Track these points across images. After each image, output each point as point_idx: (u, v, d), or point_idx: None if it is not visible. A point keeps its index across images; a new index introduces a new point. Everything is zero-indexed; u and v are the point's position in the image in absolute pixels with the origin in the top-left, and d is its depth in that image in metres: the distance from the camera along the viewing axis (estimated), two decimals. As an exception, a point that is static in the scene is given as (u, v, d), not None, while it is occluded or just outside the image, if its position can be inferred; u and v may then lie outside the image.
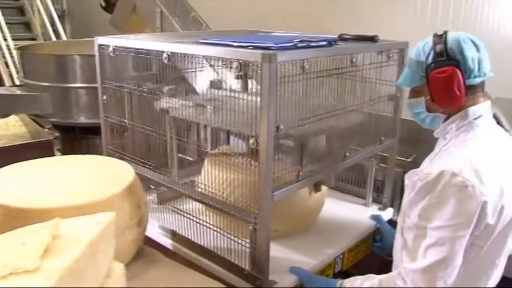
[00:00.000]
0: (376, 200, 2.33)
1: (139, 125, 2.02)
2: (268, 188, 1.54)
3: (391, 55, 1.98)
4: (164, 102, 1.86)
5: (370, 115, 2.01)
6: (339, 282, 1.67)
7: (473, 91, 1.48)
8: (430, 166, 1.51)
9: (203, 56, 1.66)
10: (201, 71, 1.93)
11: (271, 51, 1.43)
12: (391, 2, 3.82)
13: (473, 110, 1.49)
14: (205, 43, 1.68)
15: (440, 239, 1.37)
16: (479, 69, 1.45)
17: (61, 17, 5.74)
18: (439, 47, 1.45)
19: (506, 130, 2.94)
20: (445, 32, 1.48)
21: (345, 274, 1.94)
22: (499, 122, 2.93)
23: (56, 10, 5.52)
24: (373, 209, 2.29)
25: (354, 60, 1.77)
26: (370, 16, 3.92)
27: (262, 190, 1.55)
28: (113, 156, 2.10)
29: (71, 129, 3.62)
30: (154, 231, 2.04)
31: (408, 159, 2.44)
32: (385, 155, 2.27)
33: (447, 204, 1.35)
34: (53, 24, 5.38)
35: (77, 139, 3.66)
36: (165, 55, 1.74)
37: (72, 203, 1.47)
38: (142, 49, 1.84)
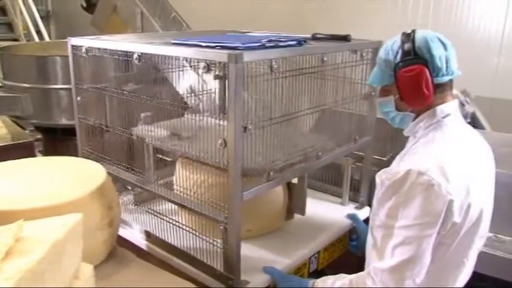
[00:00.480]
0: (353, 199, 2.34)
1: (114, 126, 2.01)
2: (237, 188, 1.55)
3: (364, 54, 1.99)
4: (140, 130, 1.86)
5: (344, 114, 2.01)
6: (311, 282, 1.67)
7: (441, 89, 1.48)
8: (398, 165, 1.51)
9: (173, 57, 1.65)
10: (181, 71, 1.92)
11: (237, 51, 1.43)
12: (374, 2, 3.84)
13: (441, 109, 1.48)
14: (176, 44, 1.68)
15: (407, 238, 1.37)
16: (447, 67, 1.45)
17: (45, 18, 5.71)
18: (407, 46, 1.45)
19: (483, 128, 2.98)
20: (413, 31, 1.48)
21: (321, 273, 1.94)
22: (477, 120, 2.97)
23: (40, 11, 5.49)
24: (350, 208, 2.30)
25: (325, 59, 1.77)
26: (351, 15, 3.93)
27: (231, 190, 1.55)
28: (89, 158, 2.10)
29: (53, 130, 3.59)
30: (129, 232, 2.03)
31: (384, 158, 2.44)
32: (362, 154, 2.28)
33: (413, 203, 1.35)
34: (36, 25, 5.36)
35: (59, 141, 3.63)
36: (135, 56, 1.73)
37: (40, 204, 1.47)
38: (115, 50, 1.84)
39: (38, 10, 5.45)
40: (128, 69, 1.88)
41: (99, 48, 1.92)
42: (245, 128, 1.51)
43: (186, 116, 1.79)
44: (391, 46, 1.51)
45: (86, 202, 1.57)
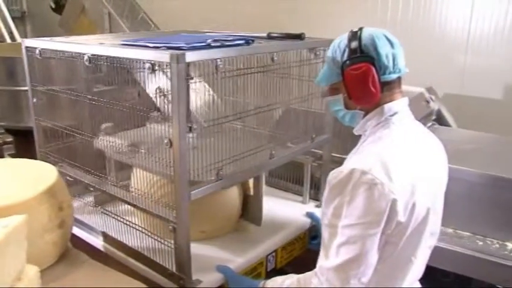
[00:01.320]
0: (314, 198, 2.35)
1: (72, 129, 2.01)
2: (184, 188, 1.55)
3: (318, 52, 2.00)
4: (99, 142, 1.87)
5: (300, 112, 2.02)
6: (261, 282, 1.67)
7: (389, 87, 1.47)
8: (347, 163, 1.51)
9: (121, 58, 1.65)
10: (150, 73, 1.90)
11: (179, 52, 1.44)
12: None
13: (389, 107, 1.48)
14: (125, 44, 1.68)
15: (352, 238, 1.36)
16: (394, 65, 1.44)
17: (21, 18, 5.67)
18: (353, 44, 1.45)
19: (449, 125, 3.01)
20: (360, 29, 1.48)
21: (280, 272, 1.94)
22: (442, 118, 3.00)
23: (15, 11, 5.44)
24: (310, 207, 2.31)
25: (276, 58, 1.78)
26: (326, 14, 3.95)
27: (178, 190, 1.55)
28: (47, 160, 2.09)
29: (24, 133, 3.57)
30: (87, 233, 2.03)
31: (346, 156, 2.45)
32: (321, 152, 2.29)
33: (357, 202, 1.35)
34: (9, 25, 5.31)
35: (31, 143, 3.61)
36: (86, 57, 1.73)
37: (-16, 206, 1.47)
38: (67, 51, 1.84)
39: (12, 10, 5.39)
40: (96, 71, 1.87)
41: (51, 50, 1.91)
42: (190, 128, 1.52)
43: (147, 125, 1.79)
44: (338, 44, 1.51)
45: (32, 204, 1.57)
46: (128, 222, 1.86)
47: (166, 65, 1.45)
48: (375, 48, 1.43)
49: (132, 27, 3.19)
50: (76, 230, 2.06)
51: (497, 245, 2.22)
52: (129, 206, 1.89)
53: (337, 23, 3.78)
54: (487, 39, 3.30)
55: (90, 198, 2.18)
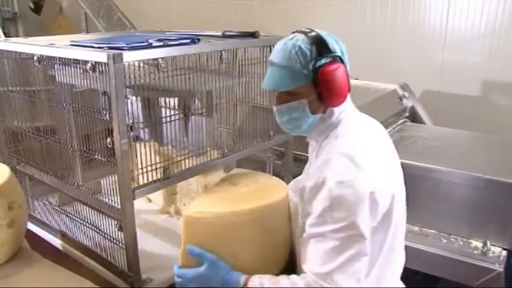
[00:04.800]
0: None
1: (31, 130, 2.01)
2: (126, 186, 1.55)
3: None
4: None
5: (254, 110, 2.02)
6: (243, 277, 1.51)
7: None
8: (313, 173, 1.46)
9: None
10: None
11: (116, 52, 1.44)
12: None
13: (338, 108, 1.49)
14: (73, 45, 1.69)
15: (342, 239, 1.36)
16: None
17: (12, 19, 5.70)
18: (321, 44, 1.42)
19: (423, 122, 2.99)
20: (312, 30, 1.46)
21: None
22: (416, 114, 2.99)
23: (6, 12, 5.47)
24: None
25: (224, 57, 1.78)
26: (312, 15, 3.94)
27: (121, 188, 1.56)
28: (10, 161, 2.11)
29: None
30: (46, 232, 2.05)
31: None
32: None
33: (338, 206, 1.35)
34: (3, 27, 5.35)
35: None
36: (35, 58, 1.75)
37: None
38: (19, 52, 1.85)
39: (3, 12, 5.44)
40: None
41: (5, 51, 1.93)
42: (131, 127, 1.52)
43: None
44: (296, 47, 1.42)
45: (-22, 203, 1.59)
46: (82, 221, 1.86)
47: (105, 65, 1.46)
48: (340, 48, 1.45)
49: (108, 27, 3.21)
50: (37, 230, 2.09)
51: (461, 243, 2.21)
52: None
53: (317, 22, 3.77)
54: (464, 35, 3.28)
55: (54, 198, 2.19)
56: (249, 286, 1.47)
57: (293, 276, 1.47)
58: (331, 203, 1.35)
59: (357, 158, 1.38)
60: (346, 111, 1.51)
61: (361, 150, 1.41)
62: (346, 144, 1.43)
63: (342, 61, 1.43)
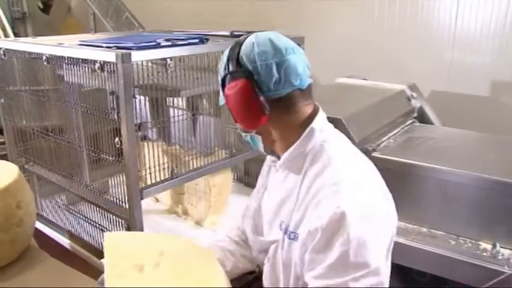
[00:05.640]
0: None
1: (42, 129, 2.02)
2: (134, 186, 1.56)
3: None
4: None
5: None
6: None
7: (285, 104, 1.22)
8: (312, 210, 1.18)
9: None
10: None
11: (125, 51, 1.45)
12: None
13: (316, 127, 1.24)
14: (82, 45, 1.70)
15: (371, 273, 1.10)
16: (280, 78, 1.18)
17: (21, 19, 5.73)
18: (231, 56, 1.21)
19: (432, 123, 2.97)
20: (247, 35, 1.26)
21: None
22: (425, 115, 2.97)
23: (15, 12, 5.50)
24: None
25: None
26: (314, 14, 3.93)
27: (129, 188, 1.57)
28: (19, 160, 2.12)
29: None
30: (54, 231, 2.06)
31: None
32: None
33: (365, 243, 1.09)
34: (13, 27, 5.39)
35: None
36: (44, 58, 1.75)
37: None
38: (28, 52, 1.86)
39: (13, 11, 5.47)
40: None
41: (14, 50, 1.94)
42: (139, 126, 1.53)
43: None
44: (222, 56, 1.27)
45: (-15, 203, 1.59)
46: (89, 221, 1.87)
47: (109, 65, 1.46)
48: (252, 60, 1.18)
49: (116, 27, 3.22)
50: (46, 229, 2.10)
51: (470, 244, 2.19)
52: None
53: (326, 22, 3.76)
54: (473, 35, 3.25)
55: (62, 198, 2.20)
56: None
57: None
58: (349, 240, 1.08)
59: (364, 185, 1.19)
60: (325, 130, 1.27)
61: (358, 176, 1.21)
62: (347, 170, 1.20)
63: (251, 77, 1.17)
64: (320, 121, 1.26)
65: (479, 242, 2.19)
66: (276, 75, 1.17)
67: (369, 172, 1.25)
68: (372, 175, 1.26)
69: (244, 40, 1.23)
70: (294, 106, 1.23)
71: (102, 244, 1.82)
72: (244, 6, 4.19)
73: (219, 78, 1.25)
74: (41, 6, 4.12)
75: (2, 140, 3.86)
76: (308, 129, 1.23)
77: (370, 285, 1.08)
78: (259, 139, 1.30)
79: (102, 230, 1.82)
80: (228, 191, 2.09)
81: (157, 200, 2.30)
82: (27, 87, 1.98)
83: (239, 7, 4.21)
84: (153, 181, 1.66)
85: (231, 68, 1.20)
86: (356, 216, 1.09)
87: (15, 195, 1.69)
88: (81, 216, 1.93)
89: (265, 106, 1.18)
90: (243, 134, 1.33)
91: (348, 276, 1.08)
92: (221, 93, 1.25)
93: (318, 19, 3.86)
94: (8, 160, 2.11)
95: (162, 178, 1.68)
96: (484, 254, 2.11)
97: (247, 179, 2.50)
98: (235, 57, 1.19)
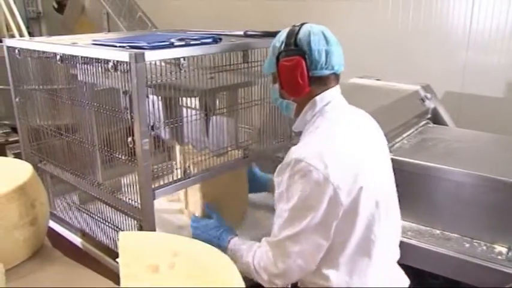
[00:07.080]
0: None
1: (55, 129, 2.03)
2: (147, 186, 1.56)
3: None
4: None
5: (275, 110, 2.01)
6: (229, 238, 1.72)
7: (322, 82, 1.55)
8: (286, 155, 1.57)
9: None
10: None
11: (138, 51, 1.45)
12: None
13: (320, 97, 1.55)
14: (95, 44, 1.70)
15: (291, 218, 1.46)
16: (326, 61, 1.50)
17: (36, 19, 5.80)
18: (290, 37, 1.52)
19: (446, 124, 2.94)
20: (302, 24, 1.54)
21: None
22: (438, 116, 2.94)
23: (30, 12, 5.57)
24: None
25: (244, 56, 1.78)
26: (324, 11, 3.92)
27: (142, 188, 1.57)
28: (32, 159, 2.13)
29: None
30: (67, 230, 2.07)
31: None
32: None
33: (294, 189, 1.44)
34: (28, 26, 5.43)
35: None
36: (58, 57, 1.76)
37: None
38: (42, 51, 1.87)
39: (28, 11, 5.53)
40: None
41: (28, 49, 1.94)
42: (152, 127, 1.52)
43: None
44: (280, 36, 1.58)
45: (2, 201, 1.60)
46: (102, 220, 1.87)
47: (123, 64, 1.46)
48: (308, 43, 1.49)
49: (129, 26, 3.23)
50: (59, 228, 2.10)
51: (485, 247, 2.17)
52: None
53: (339, 22, 3.74)
54: (488, 36, 3.22)
55: (75, 197, 2.21)
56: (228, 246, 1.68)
57: (256, 244, 1.61)
58: (289, 185, 1.46)
59: (326, 153, 1.43)
60: (332, 103, 1.56)
61: (334, 147, 1.47)
62: (322, 137, 1.51)
63: (304, 56, 1.49)
64: (327, 95, 1.56)
65: (494, 245, 2.17)
66: (324, 59, 1.50)
67: (333, 146, 1.49)
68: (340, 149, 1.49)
69: (300, 27, 1.53)
70: (325, 85, 1.55)
71: (114, 243, 1.83)
72: (255, 6, 4.18)
73: (275, 52, 1.55)
74: (56, 6, 4.15)
75: (17, 139, 3.91)
76: (311, 101, 1.56)
77: (290, 217, 1.47)
78: (293, 106, 1.61)
79: (114, 229, 1.82)
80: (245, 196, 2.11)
81: (169, 200, 2.30)
82: (41, 86, 1.99)
83: (249, 7, 4.21)
84: (166, 181, 1.66)
85: (288, 47, 1.51)
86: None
87: (30, 194, 1.70)
88: (94, 215, 1.93)
89: (312, 81, 1.51)
90: (279, 101, 1.63)
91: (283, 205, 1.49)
92: (271, 62, 1.57)
93: (329, 19, 3.83)
94: (22, 159, 2.12)
95: (175, 178, 1.68)
96: (499, 257, 2.09)
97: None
98: (293, 38, 1.50)
